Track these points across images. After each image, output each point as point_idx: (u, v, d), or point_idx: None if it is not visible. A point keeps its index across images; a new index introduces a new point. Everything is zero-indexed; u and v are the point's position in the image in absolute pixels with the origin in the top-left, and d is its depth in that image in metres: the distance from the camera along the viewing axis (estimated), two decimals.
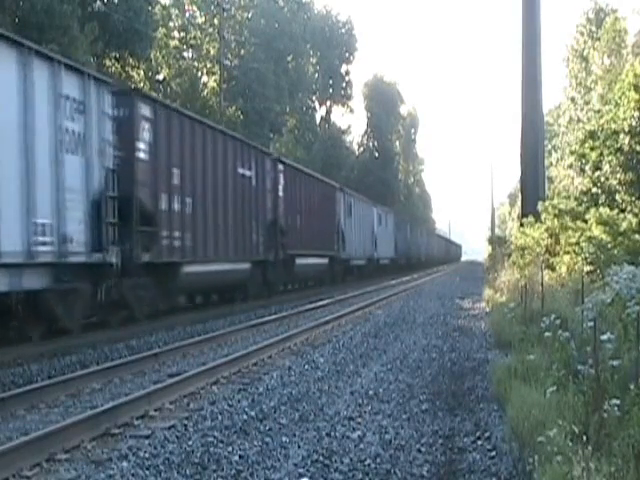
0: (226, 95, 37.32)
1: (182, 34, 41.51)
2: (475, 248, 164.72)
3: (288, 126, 48.69)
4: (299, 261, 24.25)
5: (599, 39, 41.87)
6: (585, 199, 20.24)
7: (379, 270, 42.03)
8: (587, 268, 14.12)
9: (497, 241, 43.62)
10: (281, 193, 22.75)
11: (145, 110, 13.92)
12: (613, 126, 19.53)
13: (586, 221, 16.07)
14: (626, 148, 18.95)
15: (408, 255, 55.44)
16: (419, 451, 5.67)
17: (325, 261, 28.80)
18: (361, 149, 66.35)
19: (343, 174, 53.23)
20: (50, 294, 11.00)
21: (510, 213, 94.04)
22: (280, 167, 23.04)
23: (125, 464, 5.28)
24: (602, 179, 19.95)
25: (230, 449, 5.67)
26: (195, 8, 42.61)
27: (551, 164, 47.32)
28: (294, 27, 46.17)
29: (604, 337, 5.62)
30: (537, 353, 7.78)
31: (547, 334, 7.57)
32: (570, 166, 28.94)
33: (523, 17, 24.02)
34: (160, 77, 38.12)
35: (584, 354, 6.13)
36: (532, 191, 23.37)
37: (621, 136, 19.10)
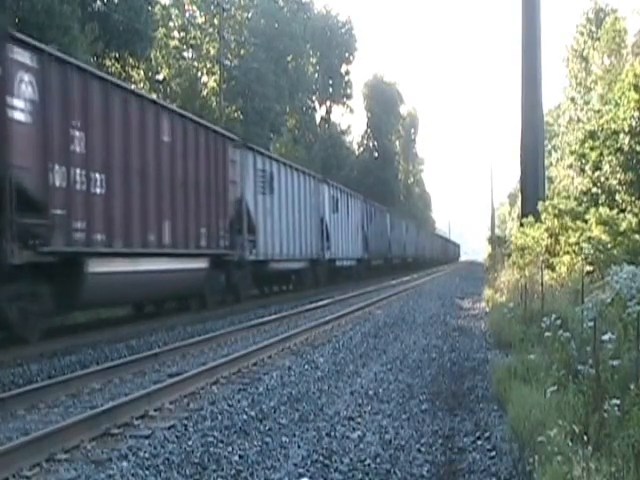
0: (226, 95, 37.30)
1: (182, 34, 41.48)
2: (475, 248, 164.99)
3: (288, 126, 48.69)
4: (100, 268, 12.37)
5: (599, 39, 41.92)
6: (585, 199, 20.30)
7: (335, 276, 31.18)
8: (587, 268, 14.13)
9: (497, 241, 43.69)
10: (21, 115, 10.71)
11: None
12: (613, 126, 19.57)
13: (586, 221, 16.11)
14: (626, 148, 18.98)
15: (387, 255, 44.37)
16: (419, 451, 5.67)
17: (201, 265, 16.40)
18: (361, 149, 66.39)
19: (343, 174, 53.23)
20: None
21: (510, 213, 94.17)
22: (18, 55, 10.75)
23: (125, 464, 5.28)
24: (602, 179, 19.99)
25: (230, 449, 5.67)
26: (195, 8, 42.59)
27: (551, 164, 47.39)
28: (294, 27, 46.14)
29: (605, 337, 5.62)
30: (537, 353, 7.78)
31: (547, 334, 7.57)
32: (570, 166, 29.00)
33: (523, 17, 24.07)
34: (160, 77, 38.11)
35: (584, 354, 6.13)
36: (532, 191, 23.44)
37: (621, 136, 19.13)
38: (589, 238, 14.94)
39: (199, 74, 41.61)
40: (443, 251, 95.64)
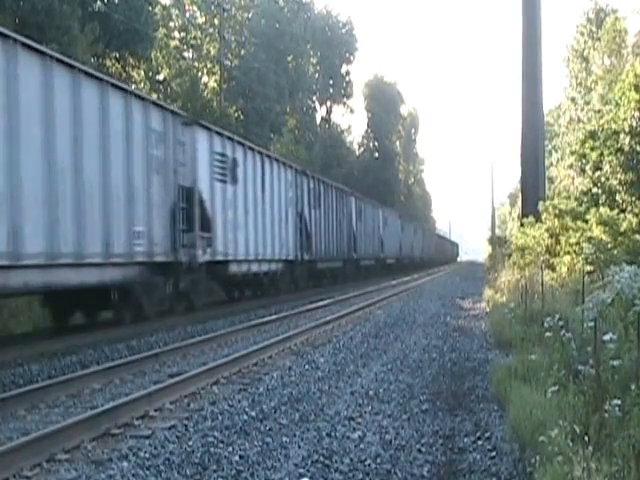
0: (226, 95, 37.34)
1: (182, 34, 41.55)
2: (475, 248, 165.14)
3: (288, 126, 48.69)
4: None
5: (599, 39, 41.95)
6: (585, 199, 20.31)
7: (232, 287, 20.19)
8: (587, 268, 14.12)
9: (497, 241, 43.69)
10: None
11: None
12: (613, 126, 19.58)
13: (586, 221, 16.10)
14: (626, 148, 19.00)
15: (350, 255, 32.20)
16: (419, 451, 5.67)
17: None
18: (361, 149, 66.42)
19: (343, 173, 53.23)
20: None
21: (510, 213, 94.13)
22: None
23: (125, 464, 5.28)
24: (602, 179, 20.01)
25: (230, 449, 5.67)
26: (195, 8, 42.66)
27: (551, 164, 47.39)
28: (294, 27, 46.20)
29: (606, 337, 5.61)
30: (537, 353, 7.78)
31: (548, 334, 7.57)
32: (570, 166, 28.98)
33: (523, 17, 24.05)
34: (160, 77, 38.14)
35: (585, 354, 6.13)
36: (532, 191, 23.41)
37: (621, 136, 19.15)
38: (589, 238, 14.93)
39: (199, 74, 41.64)
40: (439, 251, 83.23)
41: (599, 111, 27.58)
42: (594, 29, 43.72)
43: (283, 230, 22.54)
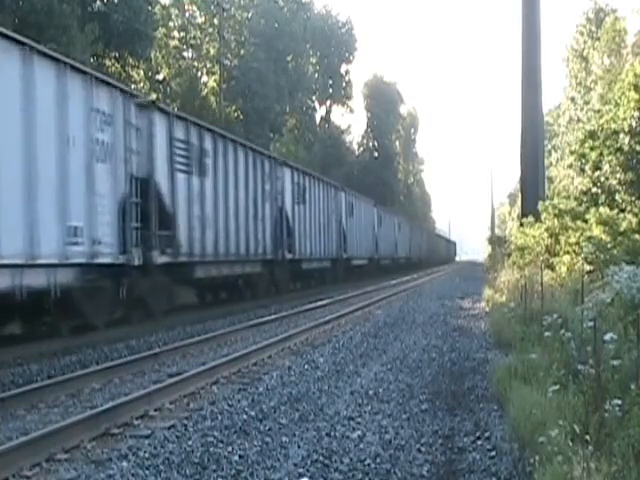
0: (226, 95, 37.32)
1: (182, 34, 41.55)
2: (475, 248, 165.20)
3: (288, 126, 48.70)
4: None
5: (599, 39, 41.93)
6: (585, 199, 20.29)
7: None
8: (587, 268, 14.11)
9: (497, 241, 43.62)
10: None
11: None
12: (613, 126, 19.57)
13: (586, 221, 16.09)
14: (626, 148, 18.99)
15: (279, 255, 21.89)
16: (419, 451, 5.66)
17: None
18: (361, 149, 66.43)
19: (343, 173, 53.20)
20: None
21: (510, 213, 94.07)
22: None
23: (125, 464, 5.27)
24: (602, 179, 20.00)
25: (230, 449, 5.67)
26: (195, 8, 42.64)
27: (551, 164, 47.33)
28: (294, 27, 46.20)
29: (606, 337, 5.61)
30: (537, 353, 7.77)
31: (547, 334, 7.57)
32: (570, 166, 28.95)
33: (523, 17, 24.03)
34: (160, 77, 38.14)
35: (584, 354, 6.13)
36: (532, 191, 23.39)
37: (621, 136, 19.14)
38: (589, 238, 14.92)
39: (199, 74, 41.65)
40: (432, 250, 73.39)
41: (599, 111, 27.54)
42: (594, 29, 43.68)
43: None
